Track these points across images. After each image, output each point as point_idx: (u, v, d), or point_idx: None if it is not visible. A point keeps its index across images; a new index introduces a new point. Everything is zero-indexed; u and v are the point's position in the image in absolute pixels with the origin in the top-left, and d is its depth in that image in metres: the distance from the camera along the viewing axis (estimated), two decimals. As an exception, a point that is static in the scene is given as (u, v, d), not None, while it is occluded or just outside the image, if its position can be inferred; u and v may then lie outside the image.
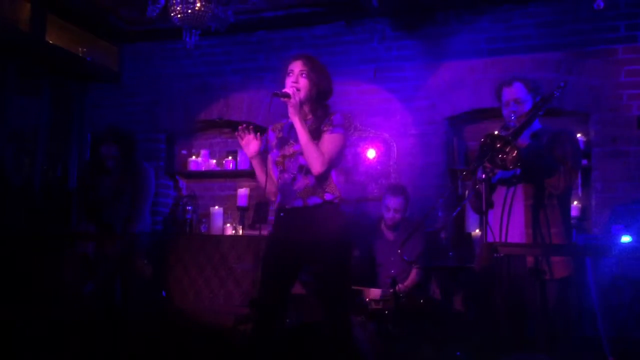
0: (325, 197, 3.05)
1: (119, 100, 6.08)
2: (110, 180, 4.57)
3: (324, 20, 5.48)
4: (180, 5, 4.30)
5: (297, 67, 3.10)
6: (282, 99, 3.02)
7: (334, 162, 3.05)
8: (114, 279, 4.62)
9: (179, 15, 4.34)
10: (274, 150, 3.20)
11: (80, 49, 5.72)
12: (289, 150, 3.13)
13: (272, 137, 3.26)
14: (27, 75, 5.52)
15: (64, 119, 5.91)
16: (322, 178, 3.04)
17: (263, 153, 3.17)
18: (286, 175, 3.10)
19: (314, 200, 3.04)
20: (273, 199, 3.22)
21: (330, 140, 3.04)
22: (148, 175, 4.64)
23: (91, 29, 5.80)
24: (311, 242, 3.02)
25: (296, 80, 3.07)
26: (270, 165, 3.21)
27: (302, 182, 3.06)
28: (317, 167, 2.99)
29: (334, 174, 3.11)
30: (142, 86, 6.05)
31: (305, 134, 2.99)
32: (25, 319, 3.96)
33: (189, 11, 4.31)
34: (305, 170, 3.06)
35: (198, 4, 4.30)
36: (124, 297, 4.55)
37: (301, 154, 3.06)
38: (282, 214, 3.11)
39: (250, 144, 3.14)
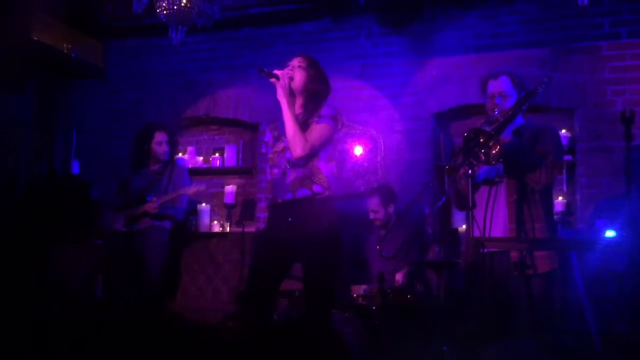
0: (314, 188, 3.05)
1: (104, 96, 6.04)
2: (151, 170, 4.69)
3: (311, 16, 5.48)
4: (166, 1, 4.28)
5: (296, 61, 3.18)
6: (270, 79, 3.08)
7: (316, 150, 3.06)
8: (98, 277, 4.62)
9: (165, 12, 4.32)
10: (269, 149, 3.23)
11: (65, 45, 5.67)
12: (279, 146, 3.15)
13: (269, 137, 3.28)
14: (11, 72, 5.46)
15: (49, 116, 5.86)
16: (304, 164, 3.06)
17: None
18: (276, 171, 3.13)
19: (303, 193, 3.05)
20: None
21: (315, 129, 3.07)
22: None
23: (76, 25, 5.75)
24: (300, 236, 3.02)
25: (292, 70, 3.14)
26: None
27: (292, 175, 3.08)
28: (297, 150, 3.02)
29: (323, 166, 3.10)
30: (127, 83, 6.01)
31: (290, 116, 3.04)
32: (11, 315, 3.93)
33: (175, 7, 4.30)
34: (292, 163, 3.08)
35: (184, 0, 4.28)
36: (108, 294, 4.54)
37: (289, 148, 3.07)
38: (274, 209, 3.14)
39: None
